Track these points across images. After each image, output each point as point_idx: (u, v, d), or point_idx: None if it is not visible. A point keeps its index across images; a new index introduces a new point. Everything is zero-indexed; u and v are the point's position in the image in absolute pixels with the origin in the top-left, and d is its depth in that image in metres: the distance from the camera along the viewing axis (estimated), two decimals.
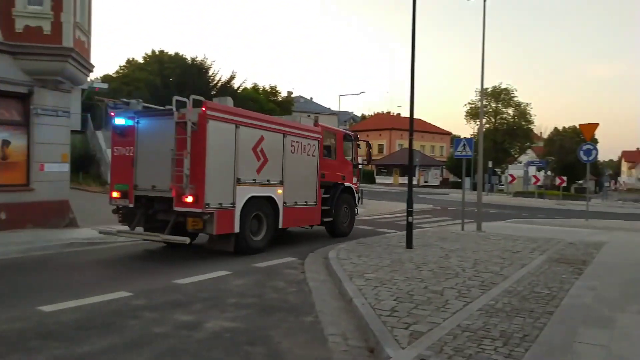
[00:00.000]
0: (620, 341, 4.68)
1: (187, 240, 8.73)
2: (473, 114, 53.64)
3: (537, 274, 7.77)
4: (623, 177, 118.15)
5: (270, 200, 10.13)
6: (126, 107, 9.52)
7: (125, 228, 9.70)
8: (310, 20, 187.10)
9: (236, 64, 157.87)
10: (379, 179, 61.81)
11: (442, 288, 6.61)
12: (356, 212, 13.64)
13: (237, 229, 9.17)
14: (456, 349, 4.30)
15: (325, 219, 11.97)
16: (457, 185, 53.45)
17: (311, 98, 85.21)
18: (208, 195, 8.55)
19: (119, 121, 9.42)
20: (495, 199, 36.38)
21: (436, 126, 77.19)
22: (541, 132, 69.86)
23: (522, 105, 55.82)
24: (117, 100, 9.52)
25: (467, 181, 40.87)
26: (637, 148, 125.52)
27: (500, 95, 55.41)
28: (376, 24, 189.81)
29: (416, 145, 62.97)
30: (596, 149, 18.73)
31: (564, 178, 38.56)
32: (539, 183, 39.90)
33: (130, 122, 9.36)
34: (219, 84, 36.71)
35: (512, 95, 55.60)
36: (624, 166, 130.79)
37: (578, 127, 25.46)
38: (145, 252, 9.95)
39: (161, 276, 7.55)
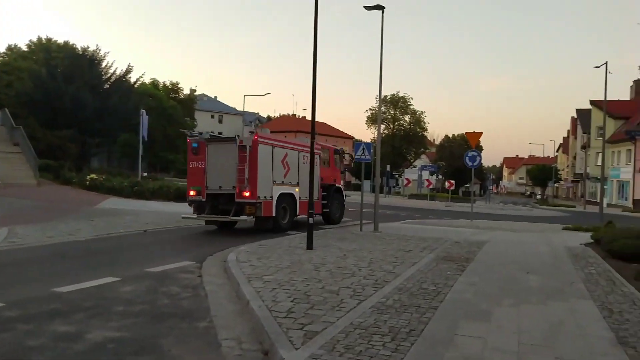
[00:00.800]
0: (496, 333, 5.10)
1: (247, 218, 13.12)
2: (373, 119, 55.95)
3: (426, 272, 8.26)
4: (504, 182, 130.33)
5: (291, 195, 14.56)
6: (200, 136, 13.95)
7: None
8: (217, 18, 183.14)
9: (135, 58, 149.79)
10: None
11: (339, 288, 6.77)
12: (344, 206, 18.48)
13: (274, 214, 13.64)
14: (347, 346, 4.41)
15: (324, 210, 16.58)
16: (359, 188, 55.42)
17: (215, 97, 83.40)
18: (259, 191, 13.01)
19: (195, 145, 13.68)
20: (392, 201, 38.19)
21: (339, 130, 79.34)
22: (434, 139, 74.93)
23: (417, 113, 59.32)
24: (193, 131, 14.73)
25: (367, 184, 42.56)
26: (517, 155, 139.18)
27: (398, 103, 58.37)
28: (283, 26, 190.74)
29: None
30: (480, 156, 20.44)
31: (453, 182, 41.65)
32: (431, 186, 42.61)
33: (198, 145, 13.70)
34: (113, 77, 34.52)
35: (409, 103, 58.95)
36: (505, 171, 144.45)
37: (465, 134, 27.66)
38: (23, 259, 9.04)
39: (40, 284, 6.89)
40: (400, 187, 54.41)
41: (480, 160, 20.58)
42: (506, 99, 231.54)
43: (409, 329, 5.01)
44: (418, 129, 60.41)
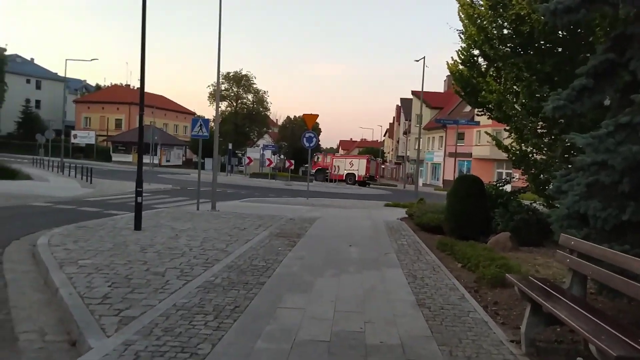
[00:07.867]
0: (315, 303, 5.41)
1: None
2: (215, 95, 54.53)
3: (258, 248, 8.41)
4: None
5: (353, 173, 47.37)
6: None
7: None
8: None
9: None
10: (116, 157, 57.36)
11: (165, 269, 6.51)
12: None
13: (344, 178, 46.73)
14: (166, 329, 4.26)
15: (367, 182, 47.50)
16: (201, 166, 53.76)
17: (32, 59, 73.07)
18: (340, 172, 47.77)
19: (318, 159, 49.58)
20: (233, 180, 38.00)
21: (180, 105, 75.91)
22: (277, 119, 76.11)
23: (260, 92, 59.60)
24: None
25: (209, 162, 41.52)
26: (351, 138, 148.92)
27: (241, 81, 57.88)
28: None
29: (159, 124, 60.78)
30: (317, 137, 21.38)
31: (293, 161, 43.03)
32: (272, 165, 43.45)
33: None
34: None
35: (252, 82, 58.84)
36: (341, 152, 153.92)
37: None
38: None
39: None
40: (243, 166, 54.30)
41: (317, 141, 21.57)
42: (342, 85, 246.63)
43: (234, 305, 5.04)
44: (261, 109, 60.75)
